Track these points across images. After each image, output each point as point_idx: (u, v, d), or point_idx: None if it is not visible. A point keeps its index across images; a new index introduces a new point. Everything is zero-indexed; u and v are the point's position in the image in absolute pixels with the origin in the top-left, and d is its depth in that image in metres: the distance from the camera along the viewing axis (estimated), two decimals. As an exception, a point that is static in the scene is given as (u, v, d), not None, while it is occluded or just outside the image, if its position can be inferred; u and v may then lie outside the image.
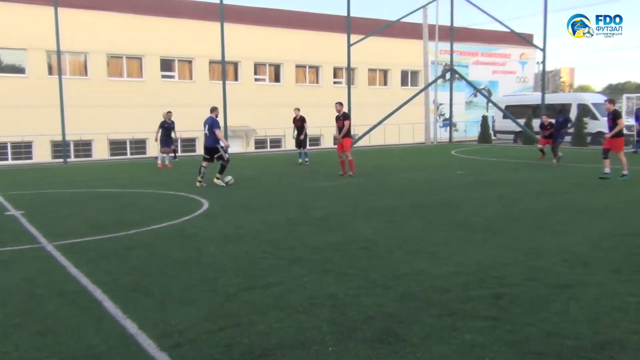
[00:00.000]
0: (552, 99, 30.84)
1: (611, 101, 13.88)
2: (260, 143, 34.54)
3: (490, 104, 36.00)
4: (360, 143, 27.83)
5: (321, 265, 5.86)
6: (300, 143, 18.80)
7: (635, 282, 5.12)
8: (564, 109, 24.88)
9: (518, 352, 3.67)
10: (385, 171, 16.24)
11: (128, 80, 30.94)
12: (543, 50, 28.17)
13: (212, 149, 12.79)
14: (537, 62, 47.22)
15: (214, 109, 13.14)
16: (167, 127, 18.60)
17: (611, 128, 13.32)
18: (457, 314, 4.36)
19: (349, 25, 26.41)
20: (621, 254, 6.18)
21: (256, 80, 35.25)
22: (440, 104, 37.49)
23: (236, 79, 34.43)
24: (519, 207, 9.57)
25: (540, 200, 10.35)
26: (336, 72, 38.33)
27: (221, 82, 24.20)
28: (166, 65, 32.06)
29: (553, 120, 18.35)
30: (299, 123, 18.73)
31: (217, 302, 4.73)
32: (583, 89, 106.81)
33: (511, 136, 31.40)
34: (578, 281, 5.17)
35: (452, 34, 31.45)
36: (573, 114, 27.39)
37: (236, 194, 11.60)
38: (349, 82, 27.89)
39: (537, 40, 33.46)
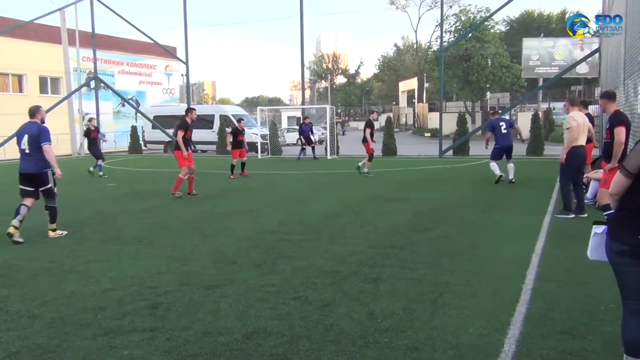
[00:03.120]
0: (197, 110, 32.44)
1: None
2: None
3: (139, 115, 35.87)
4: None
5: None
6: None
7: (274, 274, 5.77)
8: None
9: (176, 358, 3.75)
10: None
11: None
12: (186, 63, 29.45)
13: (37, 176, 7.83)
14: (182, 75, 49.11)
15: (36, 109, 8.04)
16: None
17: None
18: (114, 331, 4.22)
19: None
20: (261, 249, 6.90)
21: None
22: (87, 114, 35.68)
23: None
24: (171, 215, 9.80)
25: (193, 207, 10.79)
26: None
27: None
28: None
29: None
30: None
31: None
32: (224, 101, 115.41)
33: (161, 146, 31.90)
34: (227, 279, 5.57)
35: (94, 40, 30.32)
36: (216, 124, 29.39)
37: None
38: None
39: (181, 53, 34.63)
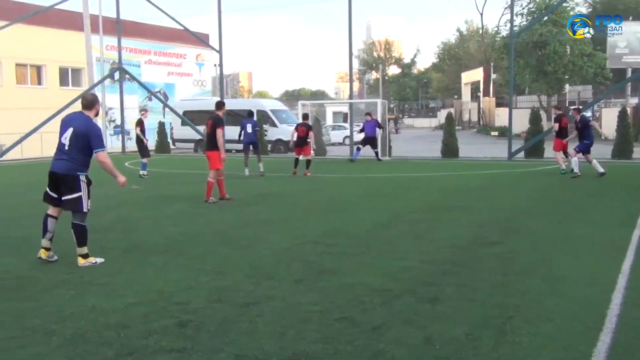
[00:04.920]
0: (231, 104, 32.92)
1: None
2: None
3: (167, 109, 36.60)
4: (10, 156, 25.43)
5: (-42, 316, 5.15)
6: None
7: (316, 291, 5.79)
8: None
9: (206, 383, 3.81)
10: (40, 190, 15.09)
11: None
12: (219, 52, 29.89)
13: (66, 178, 7.00)
14: (215, 65, 49.86)
15: (95, 100, 7.43)
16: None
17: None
18: (138, 351, 4.31)
19: (-14, 8, 23.97)
20: (302, 263, 6.93)
21: None
22: (110, 108, 36.67)
23: None
24: (201, 222, 9.96)
25: (225, 213, 10.93)
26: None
27: None
28: None
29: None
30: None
31: None
32: (261, 95, 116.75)
33: (192, 145, 32.45)
34: (263, 296, 5.61)
35: (119, 26, 31.09)
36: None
37: None
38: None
39: (214, 41, 35.18)
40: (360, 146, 23.33)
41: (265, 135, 29.03)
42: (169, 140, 33.06)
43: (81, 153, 6.95)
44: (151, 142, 33.96)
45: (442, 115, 61.29)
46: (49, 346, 4.45)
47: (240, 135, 18.22)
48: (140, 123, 18.16)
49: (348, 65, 28.68)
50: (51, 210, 7.11)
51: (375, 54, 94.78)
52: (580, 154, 15.66)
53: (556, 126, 16.84)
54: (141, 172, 17.94)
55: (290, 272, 6.51)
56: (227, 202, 12.22)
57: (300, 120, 20.43)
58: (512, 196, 12.85)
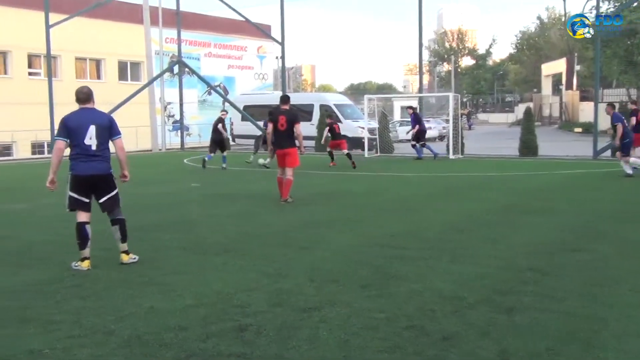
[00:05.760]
0: (293, 98, 33.14)
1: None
2: None
3: (227, 104, 37.23)
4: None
5: (16, 313, 5.39)
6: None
7: (383, 297, 5.76)
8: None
9: (266, 391, 3.84)
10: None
11: None
12: (282, 44, 30.18)
13: (106, 179, 7.16)
14: (277, 57, 50.38)
15: (91, 92, 7.26)
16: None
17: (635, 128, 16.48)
18: (196, 354, 4.39)
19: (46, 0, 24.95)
20: (368, 267, 6.91)
21: None
22: (169, 103, 37.56)
23: None
24: (261, 222, 10.08)
25: (287, 213, 11.02)
26: (32, 60, 35.76)
27: None
28: None
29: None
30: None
31: None
32: (325, 88, 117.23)
33: (252, 141, 32.83)
34: (327, 301, 5.62)
35: (178, 18, 31.78)
36: (316, 115, 29.80)
37: None
38: (50, 74, 26.30)
39: (276, 33, 35.61)
40: (416, 143, 23.61)
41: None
42: (229, 136, 33.41)
43: (108, 148, 7.07)
44: (209, 137, 34.75)
45: (519, 110, 59.97)
46: (108, 347, 4.59)
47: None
48: (220, 121, 20.75)
49: (418, 56, 28.48)
50: (85, 217, 7.02)
51: (447, 45, 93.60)
52: None
53: (633, 120, 16.98)
54: (223, 165, 20.05)
55: (355, 276, 6.50)
56: (286, 202, 12.24)
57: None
58: (598, 198, 12.47)
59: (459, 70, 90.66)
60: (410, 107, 24.06)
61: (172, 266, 7.07)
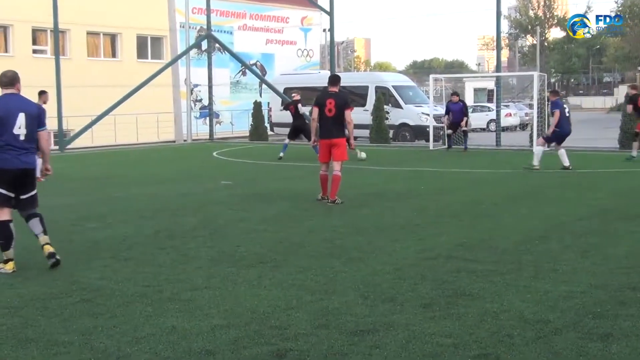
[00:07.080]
0: (344, 79, 33.02)
1: (634, 87, 18.62)
2: None
3: (264, 86, 37.15)
4: (78, 143, 26.90)
5: (14, 332, 5.51)
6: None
7: (450, 318, 5.72)
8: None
9: None
10: (117, 184, 15.90)
11: None
12: (330, 14, 30.09)
13: (32, 173, 7.62)
14: (324, 30, 50.27)
15: (16, 75, 7.59)
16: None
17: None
18: (225, 385, 4.44)
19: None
20: (431, 282, 6.88)
21: None
22: (195, 85, 37.80)
23: None
24: (303, 227, 10.12)
25: (333, 217, 11.04)
26: (37, 35, 36.56)
27: None
28: None
29: None
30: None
31: None
32: (382, 67, 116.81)
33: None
34: (382, 323, 5.62)
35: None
36: (370, 99, 29.61)
37: None
38: (57, 52, 26.82)
39: (323, 1, 35.63)
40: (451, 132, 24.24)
41: (387, 118, 28.47)
42: (267, 124, 32.99)
43: (35, 139, 7.42)
44: (245, 126, 34.88)
45: (620, 92, 58.76)
46: (122, 373, 4.67)
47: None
48: (294, 103, 21.80)
49: (495, 28, 28.11)
50: (8, 214, 7.34)
51: (531, 13, 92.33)
52: None
53: (629, 108, 18.84)
54: (281, 155, 21.17)
55: (416, 294, 6.47)
56: (326, 201, 12.21)
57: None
58: None
59: (546, 44, 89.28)
60: (456, 94, 24.50)
61: (198, 280, 7.13)
